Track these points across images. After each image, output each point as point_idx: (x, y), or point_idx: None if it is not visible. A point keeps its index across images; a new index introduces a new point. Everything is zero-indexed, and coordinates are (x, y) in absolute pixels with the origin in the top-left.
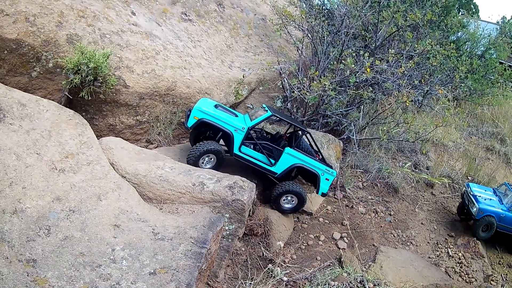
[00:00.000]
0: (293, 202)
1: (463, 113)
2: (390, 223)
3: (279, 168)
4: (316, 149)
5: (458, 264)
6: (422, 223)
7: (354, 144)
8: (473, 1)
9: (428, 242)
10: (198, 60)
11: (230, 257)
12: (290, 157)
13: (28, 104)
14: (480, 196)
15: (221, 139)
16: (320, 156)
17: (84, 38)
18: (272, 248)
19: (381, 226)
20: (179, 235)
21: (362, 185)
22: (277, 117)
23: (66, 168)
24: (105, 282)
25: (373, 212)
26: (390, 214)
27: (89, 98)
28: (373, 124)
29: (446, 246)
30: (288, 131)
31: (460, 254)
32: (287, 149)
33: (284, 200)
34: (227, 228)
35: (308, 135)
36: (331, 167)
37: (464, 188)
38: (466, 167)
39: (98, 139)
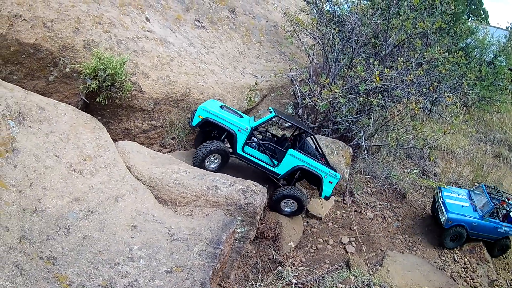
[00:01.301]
0: (293, 207)
1: (472, 120)
2: (398, 228)
3: (281, 169)
4: (321, 152)
5: (463, 269)
6: (429, 229)
7: (364, 151)
8: (483, 7)
9: (434, 247)
10: (212, 67)
11: (241, 259)
12: (293, 159)
13: (46, 108)
14: (450, 203)
15: (226, 140)
16: (324, 159)
17: (100, 44)
18: (282, 251)
19: (388, 231)
20: (194, 236)
21: (371, 191)
22: (281, 118)
23: (84, 170)
24: (123, 279)
25: (381, 217)
26: (398, 220)
27: (106, 103)
28: (382, 131)
29: (452, 251)
30: (293, 134)
31: (465, 259)
32: (290, 151)
33: (284, 203)
34: (239, 230)
35: (312, 137)
36: (334, 170)
37: (435, 191)
38: (474, 173)
39: (114, 142)
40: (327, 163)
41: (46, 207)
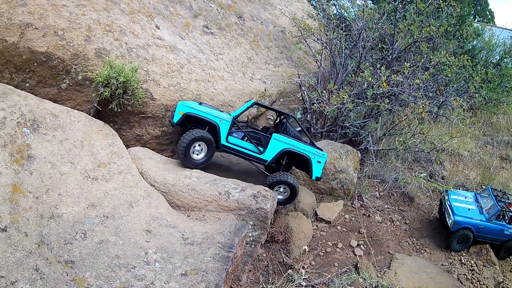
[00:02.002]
0: (286, 193)
1: (478, 123)
2: (406, 232)
3: (268, 155)
4: (305, 135)
5: (470, 271)
6: (436, 232)
7: (372, 155)
8: (489, 8)
9: (441, 250)
10: (221, 73)
11: (252, 262)
12: (278, 142)
13: (60, 115)
14: (457, 206)
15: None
16: (310, 141)
17: (112, 52)
18: (292, 254)
19: (396, 234)
20: (207, 240)
21: (379, 194)
22: (260, 105)
23: (99, 177)
24: (140, 282)
25: (389, 220)
26: (406, 223)
27: (119, 110)
28: (390, 135)
29: (458, 253)
30: (275, 121)
31: (472, 261)
32: (275, 135)
33: (276, 191)
34: (250, 234)
35: (292, 120)
36: (321, 149)
37: (442, 194)
38: (481, 176)
39: (126, 149)
40: (313, 144)
41: (62, 213)
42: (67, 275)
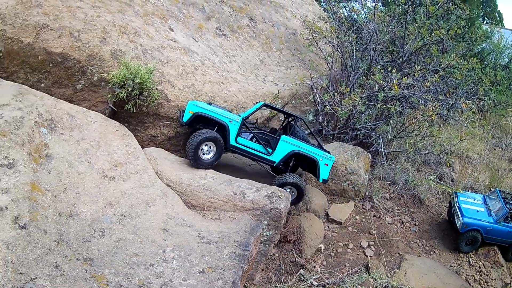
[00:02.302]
0: (293, 194)
1: (487, 125)
2: (415, 233)
3: (276, 156)
4: (314, 137)
5: (478, 273)
6: (445, 233)
7: (382, 157)
8: (497, 9)
9: (450, 251)
10: (234, 75)
11: (265, 261)
12: (287, 144)
13: (76, 115)
14: (466, 208)
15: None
16: (317, 143)
17: (127, 53)
18: (304, 254)
19: (406, 236)
20: (223, 239)
21: (389, 196)
22: (269, 106)
23: (116, 176)
24: (159, 279)
25: (399, 222)
26: (416, 224)
27: (134, 111)
28: (401, 137)
29: (467, 255)
30: (283, 123)
31: (480, 263)
32: (283, 137)
33: None
34: (264, 234)
35: (301, 122)
36: (328, 152)
37: (451, 196)
38: (489, 178)
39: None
40: (320, 147)
41: (80, 211)
42: (86, 272)
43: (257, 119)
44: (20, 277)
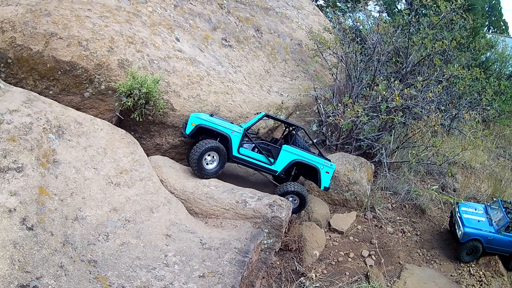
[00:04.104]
0: (296, 202)
1: (491, 135)
2: (416, 243)
3: (278, 166)
4: (314, 146)
5: (478, 282)
6: (446, 243)
7: (385, 167)
8: (503, 18)
9: (451, 261)
10: (239, 86)
11: (266, 269)
12: (288, 154)
13: (83, 123)
14: (467, 218)
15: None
16: (318, 151)
17: (134, 63)
18: (305, 263)
19: (407, 245)
20: (224, 245)
21: (391, 206)
22: (270, 117)
23: (121, 183)
24: (160, 282)
25: (401, 232)
26: (417, 234)
27: (140, 119)
28: (403, 148)
29: (468, 264)
30: (284, 133)
31: (481, 272)
32: (285, 146)
33: None
34: (265, 242)
35: (304, 132)
36: (329, 160)
37: (453, 206)
38: (492, 188)
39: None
40: (321, 155)
41: (86, 215)
42: (90, 273)
43: (258, 129)
44: (26, 275)
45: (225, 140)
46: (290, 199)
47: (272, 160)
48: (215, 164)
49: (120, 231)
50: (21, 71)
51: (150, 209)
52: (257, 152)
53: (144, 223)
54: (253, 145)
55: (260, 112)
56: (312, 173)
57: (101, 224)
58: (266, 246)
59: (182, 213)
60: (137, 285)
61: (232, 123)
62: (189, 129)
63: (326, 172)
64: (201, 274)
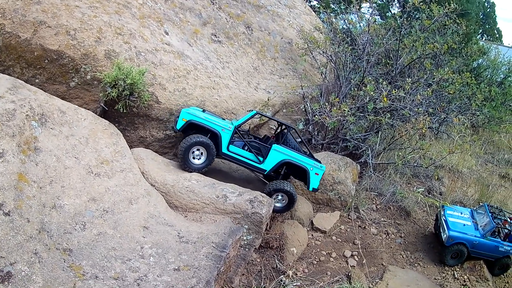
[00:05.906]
0: (284, 201)
1: (479, 141)
2: (400, 245)
3: (267, 165)
4: (306, 147)
5: (462, 286)
6: (431, 246)
7: (370, 168)
8: (497, 27)
9: (435, 264)
10: (226, 81)
11: (245, 266)
12: (278, 153)
13: (67, 112)
14: (452, 221)
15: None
16: (309, 152)
17: (121, 54)
18: (285, 261)
19: (391, 247)
20: (202, 239)
21: (376, 207)
22: (262, 115)
23: (102, 173)
24: (134, 274)
25: (385, 233)
26: (401, 236)
27: (124, 111)
28: (390, 149)
29: (452, 268)
30: (275, 131)
31: (465, 276)
32: (275, 146)
33: (274, 199)
34: (245, 238)
35: (293, 131)
36: (319, 162)
37: (439, 209)
38: (479, 193)
39: (130, 149)
40: (311, 156)
41: (64, 204)
42: (64, 261)
43: (249, 126)
44: (0, 261)
45: (215, 137)
46: (280, 197)
47: (261, 159)
48: (202, 159)
49: (97, 221)
50: (8, 59)
51: (129, 200)
52: (246, 150)
53: (122, 214)
54: (243, 142)
55: (252, 110)
56: (301, 174)
57: (78, 213)
58: (245, 242)
59: (162, 206)
60: (111, 276)
61: (224, 119)
62: (179, 125)
63: (316, 173)
64: (176, 267)
